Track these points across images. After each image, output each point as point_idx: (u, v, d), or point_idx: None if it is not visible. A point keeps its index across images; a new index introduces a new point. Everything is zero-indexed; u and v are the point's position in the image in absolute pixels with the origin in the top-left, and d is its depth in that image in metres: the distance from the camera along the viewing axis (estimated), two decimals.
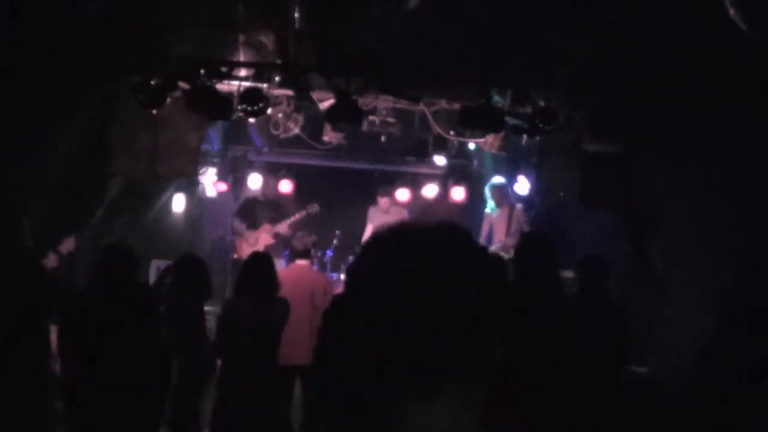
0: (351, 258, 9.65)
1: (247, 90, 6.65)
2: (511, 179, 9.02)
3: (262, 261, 5.13)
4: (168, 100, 6.60)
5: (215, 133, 9.02)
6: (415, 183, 10.10)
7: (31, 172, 6.22)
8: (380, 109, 7.60)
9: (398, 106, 7.54)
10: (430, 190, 10.03)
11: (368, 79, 6.82)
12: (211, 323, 5.55)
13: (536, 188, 8.77)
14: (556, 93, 6.81)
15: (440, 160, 9.08)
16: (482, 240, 8.67)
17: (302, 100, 6.96)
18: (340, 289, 9.07)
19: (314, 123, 7.95)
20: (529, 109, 6.88)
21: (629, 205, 7.32)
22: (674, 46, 5.63)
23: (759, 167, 5.51)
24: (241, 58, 6.87)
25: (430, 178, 10.06)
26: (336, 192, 9.74)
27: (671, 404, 5.62)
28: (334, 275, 9.46)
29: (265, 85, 6.79)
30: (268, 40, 6.90)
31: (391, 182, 9.69)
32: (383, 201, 9.25)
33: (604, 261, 5.19)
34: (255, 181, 9.74)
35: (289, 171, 9.73)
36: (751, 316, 2.84)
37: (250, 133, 9.21)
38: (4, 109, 5.66)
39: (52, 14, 5.44)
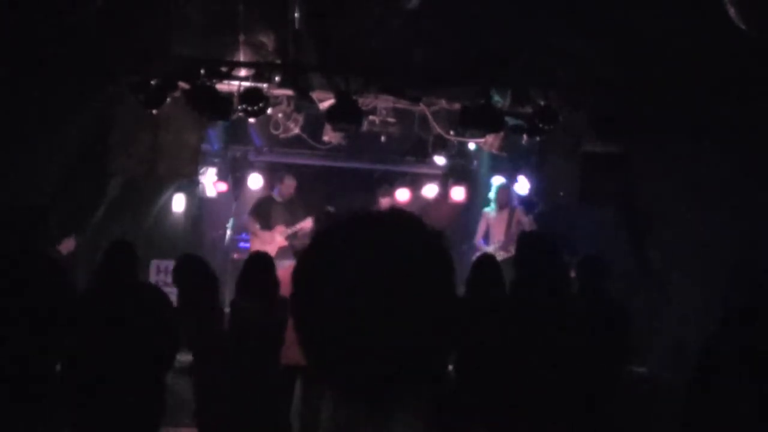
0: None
1: (247, 90, 6.65)
2: (511, 179, 9.03)
3: (262, 261, 5.12)
4: (168, 100, 6.60)
5: (215, 133, 9.02)
6: (415, 183, 10.10)
7: (31, 172, 6.22)
8: (380, 109, 7.61)
9: (398, 106, 7.54)
10: (430, 190, 10.03)
11: (368, 79, 6.82)
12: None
13: (536, 188, 8.77)
14: (556, 93, 6.81)
15: (440, 160, 9.08)
16: (479, 239, 8.68)
17: (302, 100, 6.95)
18: None
19: (314, 123, 7.95)
20: (529, 109, 6.89)
21: (629, 205, 7.32)
22: (674, 45, 5.64)
23: (759, 167, 5.52)
24: (241, 58, 6.87)
25: (430, 178, 10.06)
26: (336, 192, 9.74)
27: (671, 404, 5.62)
28: None
29: (265, 85, 6.79)
30: (268, 40, 6.90)
31: (391, 183, 9.68)
32: (384, 202, 9.24)
33: (604, 261, 5.19)
34: (255, 181, 9.73)
35: (289, 171, 9.73)
36: (752, 316, 2.84)
37: (250, 133, 9.21)
38: (4, 109, 5.66)
39: (52, 14, 5.44)
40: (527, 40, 6.49)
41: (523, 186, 8.88)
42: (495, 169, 9.42)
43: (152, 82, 6.44)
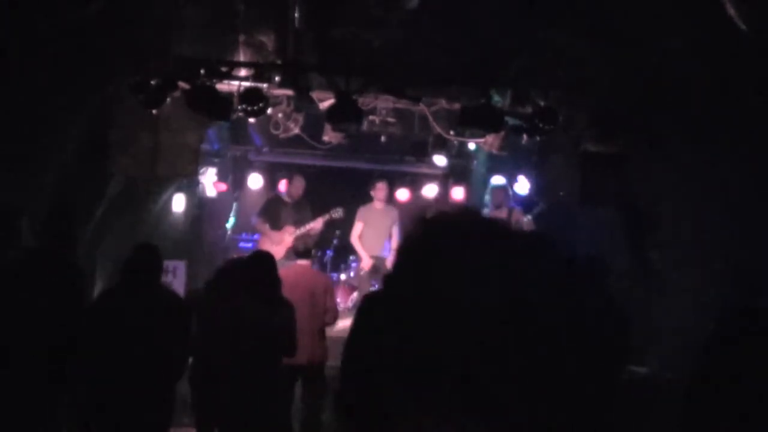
0: (353, 258, 9.67)
1: (247, 90, 6.65)
2: (511, 179, 9.03)
3: (264, 260, 5.11)
4: (168, 100, 6.60)
5: (215, 133, 9.02)
6: (415, 183, 10.11)
7: (31, 172, 6.21)
8: (380, 109, 7.61)
9: (398, 106, 7.55)
10: (430, 190, 10.04)
11: (368, 79, 6.83)
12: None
13: (536, 188, 8.77)
14: (556, 93, 6.81)
15: (440, 160, 9.08)
16: None
17: (302, 100, 6.95)
18: (340, 289, 9.10)
19: (314, 123, 7.96)
20: (529, 109, 6.89)
21: (629, 205, 7.32)
22: (674, 46, 5.64)
23: (759, 167, 5.52)
24: (241, 58, 6.87)
25: (430, 178, 10.07)
26: (336, 192, 9.75)
27: (671, 404, 5.62)
28: (334, 275, 9.48)
29: (265, 85, 6.79)
30: (268, 40, 6.90)
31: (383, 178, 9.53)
32: (378, 194, 9.06)
33: (604, 261, 5.19)
34: (255, 181, 9.74)
35: (290, 171, 9.74)
36: (752, 316, 2.84)
37: (250, 133, 9.21)
38: (4, 108, 5.66)
39: (52, 14, 5.44)
40: (527, 40, 6.49)
41: (523, 186, 8.88)
42: (495, 169, 9.42)
43: (152, 82, 6.44)
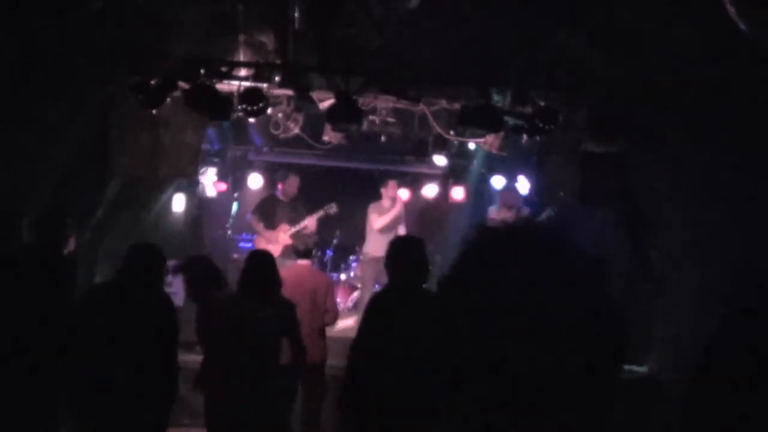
0: (353, 258, 9.67)
1: (247, 90, 6.65)
2: (511, 179, 9.03)
3: (263, 259, 5.11)
4: (168, 100, 6.60)
5: (215, 133, 9.02)
6: (415, 183, 10.11)
7: (32, 172, 6.22)
8: (380, 109, 7.61)
9: (398, 106, 7.55)
10: (430, 190, 10.04)
11: (368, 79, 6.82)
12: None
13: (536, 188, 8.77)
14: (556, 93, 6.81)
15: (440, 160, 9.09)
16: None
17: (302, 100, 6.95)
18: (340, 289, 9.10)
19: (314, 123, 7.96)
20: (529, 109, 6.89)
21: (629, 205, 7.32)
22: (674, 45, 5.63)
23: (759, 167, 5.51)
24: (241, 58, 6.87)
25: (430, 178, 10.07)
26: (336, 192, 9.75)
27: (671, 404, 5.62)
28: (335, 275, 9.48)
29: (265, 85, 6.79)
30: (268, 40, 6.90)
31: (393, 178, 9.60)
32: (389, 193, 9.13)
33: (604, 261, 5.19)
34: (255, 181, 9.74)
35: (289, 171, 9.73)
36: (753, 316, 2.84)
37: (250, 133, 9.21)
38: (4, 109, 5.66)
39: (52, 14, 5.44)
40: (527, 40, 6.49)
41: (523, 186, 8.88)
42: (495, 169, 9.43)
43: (152, 82, 6.44)
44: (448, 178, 10.10)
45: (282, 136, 7.90)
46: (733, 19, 4.44)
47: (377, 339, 4.17)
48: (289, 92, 7.09)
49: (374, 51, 6.69)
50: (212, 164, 9.50)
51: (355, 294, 8.99)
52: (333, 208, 8.84)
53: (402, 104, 7.45)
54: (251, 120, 7.38)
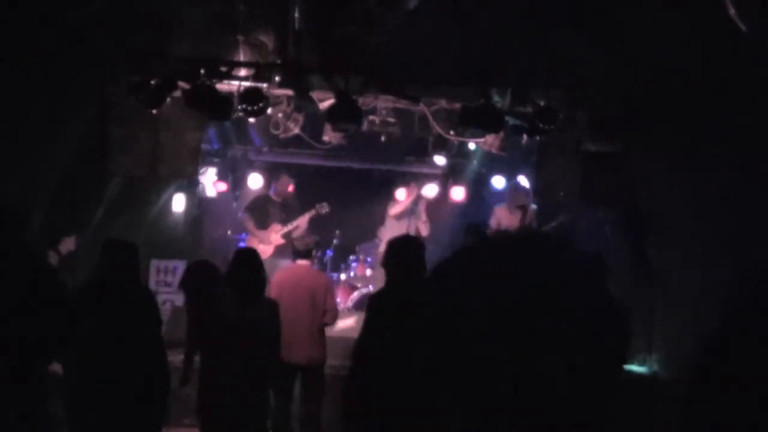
0: (353, 258, 9.67)
1: (247, 90, 6.65)
2: (511, 179, 9.03)
3: (249, 258, 5.09)
4: (168, 100, 6.60)
5: (215, 133, 9.02)
6: (415, 183, 10.10)
7: (32, 172, 6.22)
8: (380, 109, 7.60)
9: (398, 106, 7.54)
10: (430, 190, 10.03)
11: (368, 79, 6.82)
12: None
13: (536, 188, 8.77)
14: (556, 93, 6.81)
15: (440, 160, 9.09)
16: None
17: (302, 100, 6.95)
18: (340, 289, 9.10)
19: (314, 123, 7.95)
20: (529, 109, 6.88)
21: (629, 204, 7.32)
22: (674, 45, 5.63)
23: (759, 167, 5.51)
24: (241, 58, 6.87)
25: (430, 178, 10.06)
26: (336, 192, 9.75)
27: (671, 404, 5.62)
28: (335, 275, 9.47)
29: (265, 85, 6.79)
30: (268, 40, 6.89)
31: (407, 182, 9.70)
32: (407, 194, 9.26)
33: (603, 261, 5.19)
34: (255, 181, 9.73)
35: (289, 171, 9.73)
36: (754, 316, 2.84)
37: (250, 133, 9.21)
38: (4, 109, 5.66)
39: (52, 14, 5.44)
40: (527, 40, 6.49)
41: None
42: (495, 169, 9.42)
43: (152, 82, 6.44)
44: (448, 178, 10.10)
45: (282, 136, 7.90)
46: (733, 19, 4.44)
47: (378, 340, 4.18)
48: (289, 92, 7.09)
49: (374, 51, 6.68)
50: (212, 164, 9.49)
51: (355, 294, 8.99)
52: (324, 208, 8.87)
53: (402, 104, 7.45)
54: (251, 120, 7.37)
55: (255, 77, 6.78)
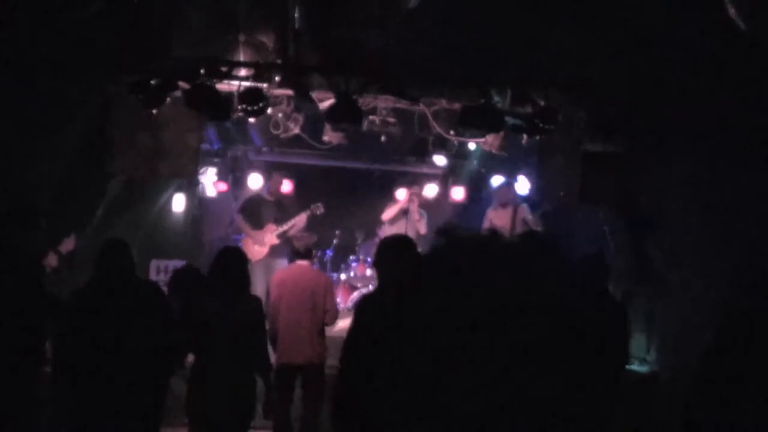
0: (353, 258, 9.67)
1: (247, 90, 6.65)
2: (511, 179, 9.03)
3: (234, 257, 5.08)
4: (168, 100, 6.60)
5: (215, 133, 9.02)
6: (415, 183, 10.10)
7: (32, 171, 6.22)
8: (380, 109, 7.60)
9: (398, 106, 7.54)
10: (430, 190, 10.03)
11: (368, 79, 6.82)
12: None
13: (536, 188, 8.77)
14: (556, 93, 6.81)
15: (440, 160, 9.09)
16: None
17: (302, 100, 6.95)
18: (340, 289, 9.10)
19: (314, 123, 7.95)
20: (529, 109, 6.89)
21: (629, 204, 7.32)
22: (674, 45, 5.64)
23: (759, 167, 5.52)
24: (241, 58, 6.87)
25: (430, 178, 10.07)
26: (336, 192, 9.74)
27: (671, 404, 5.62)
28: (334, 275, 9.47)
29: (265, 85, 6.79)
30: (268, 40, 6.89)
31: (411, 182, 9.70)
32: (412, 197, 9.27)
33: (604, 261, 5.19)
34: (255, 181, 9.73)
35: (289, 171, 9.73)
36: (755, 316, 2.84)
37: (250, 133, 9.21)
38: (4, 109, 5.66)
39: (52, 14, 5.44)
40: (527, 39, 6.49)
41: (523, 186, 8.88)
42: (495, 169, 9.42)
43: (152, 82, 6.44)
44: (448, 178, 10.10)
45: (282, 136, 7.90)
46: (733, 19, 4.44)
47: (358, 340, 4.23)
48: (289, 92, 7.09)
49: (374, 51, 6.68)
50: (212, 164, 9.49)
51: (355, 294, 8.99)
52: (320, 209, 8.87)
53: (402, 104, 7.45)
54: (251, 120, 7.37)
55: (255, 77, 6.78)
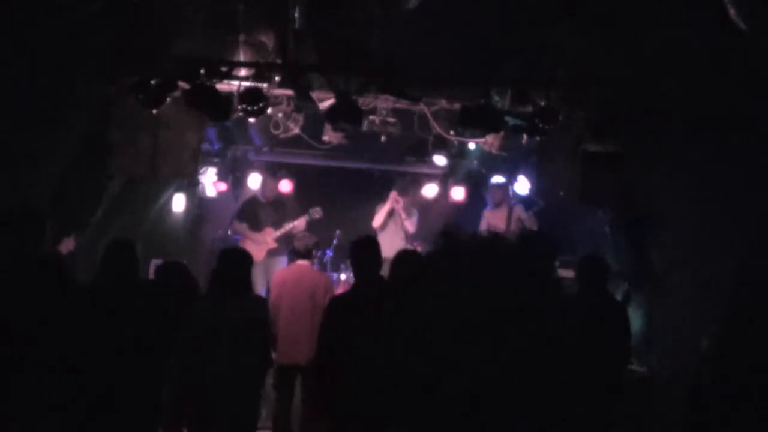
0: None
1: (247, 90, 6.65)
2: (511, 179, 9.04)
3: (236, 257, 5.09)
4: (168, 100, 6.60)
5: (215, 133, 9.01)
6: (415, 183, 10.09)
7: (32, 172, 6.22)
8: (380, 109, 7.60)
9: (398, 106, 7.54)
10: (430, 190, 10.03)
11: (368, 79, 6.82)
12: None
13: (536, 188, 8.78)
14: (556, 93, 6.81)
15: (440, 160, 9.09)
16: None
17: (302, 100, 6.95)
18: (340, 289, 9.10)
19: (314, 123, 7.95)
20: (529, 109, 6.89)
21: (629, 205, 7.32)
22: (674, 46, 5.64)
23: (758, 167, 5.52)
24: (241, 58, 6.87)
25: (430, 178, 10.06)
26: (336, 192, 9.74)
27: (671, 404, 5.62)
28: (334, 275, 9.47)
29: (265, 85, 6.79)
30: (268, 40, 6.89)
31: (406, 181, 9.68)
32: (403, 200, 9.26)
33: (604, 261, 5.20)
34: (255, 181, 9.74)
35: (289, 171, 9.72)
36: (756, 317, 2.84)
37: (250, 133, 9.21)
38: (4, 109, 5.66)
39: (52, 14, 5.44)
40: (527, 39, 6.49)
41: (523, 186, 8.89)
42: (495, 169, 9.42)
43: (152, 82, 6.44)
44: (448, 178, 10.10)
45: (282, 136, 7.90)
46: (733, 19, 4.44)
47: (338, 339, 4.29)
48: (289, 92, 7.09)
49: (374, 51, 6.68)
50: (212, 164, 9.48)
51: None
52: (318, 213, 8.92)
53: (402, 104, 7.45)
54: (251, 120, 7.37)
55: (255, 77, 6.78)
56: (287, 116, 7.62)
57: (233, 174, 9.95)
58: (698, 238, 6.36)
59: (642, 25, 5.84)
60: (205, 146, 8.43)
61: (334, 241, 9.74)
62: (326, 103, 6.98)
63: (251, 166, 9.85)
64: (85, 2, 5.51)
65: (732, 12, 4.53)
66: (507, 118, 7.02)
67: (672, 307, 6.84)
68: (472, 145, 8.56)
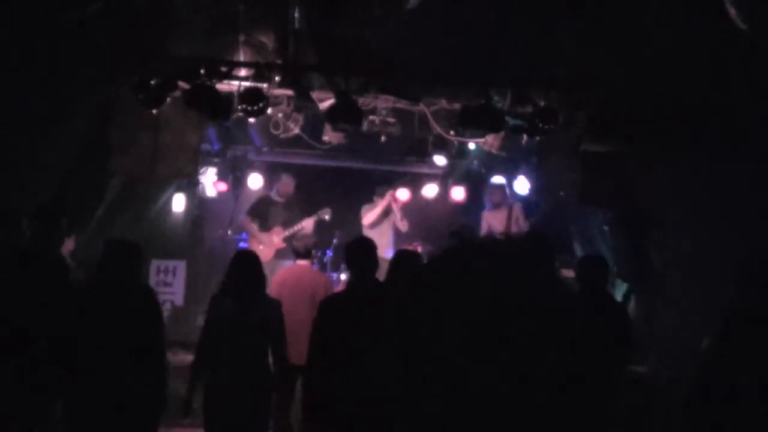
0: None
1: (247, 90, 6.65)
2: (511, 179, 9.04)
3: (248, 259, 5.10)
4: (168, 100, 6.60)
5: (215, 133, 9.01)
6: (415, 183, 10.09)
7: (32, 171, 6.22)
8: (380, 109, 7.60)
9: (398, 106, 7.54)
10: (430, 190, 10.03)
11: (368, 79, 6.82)
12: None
13: (536, 188, 8.78)
14: (556, 93, 6.81)
15: (440, 160, 9.09)
16: None
17: (302, 100, 6.95)
18: (340, 288, 9.09)
19: (314, 123, 7.95)
20: (529, 109, 6.89)
21: (629, 204, 7.32)
22: (674, 46, 5.64)
23: (758, 167, 5.52)
24: (241, 58, 6.87)
25: (430, 178, 10.06)
26: (336, 192, 9.73)
27: (671, 404, 5.62)
28: (334, 275, 9.47)
29: (265, 85, 6.79)
30: (268, 40, 6.90)
31: (390, 183, 9.64)
32: (383, 202, 9.21)
33: (604, 261, 5.20)
34: (255, 181, 9.73)
35: (290, 171, 9.72)
36: (757, 317, 2.84)
37: (250, 133, 9.21)
38: (5, 108, 5.66)
39: (52, 14, 5.44)
40: (527, 40, 6.49)
41: (523, 186, 8.89)
42: (494, 169, 9.42)
43: (152, 82, 6.44)
44: (448, 178, 10.10)
45: (282, 136, 7.90)
46: (733, 19, 4.44)
47: (327, 340, 4.30)
48: (289, 92, 7.09)
49: (374, 51, 6.69)
50: (212, 164, 9.48)
51: None
52: (327, 214, 8.87)
53: (402, 104, 7.45)
54: (251, 120, 7.37)
55: (255, 77, 6.78)
56: (287, 116, 7.62)
57: (233, 174, 9.95)
58: (698, 238, 6.36)
59: (642, 25, 5.85)
60: (205, 146, 8.43)
61: (334, 241, 9.73)
62: (326, 103, 6.98)
63: (251, 166, 9.85)
64: (85, 2, 5.51)
65: (732, 12, 4.53)
66: (507, 118, 7.03)
67: (672, 307, 6.85)
68: (472, 145, 8.56)
